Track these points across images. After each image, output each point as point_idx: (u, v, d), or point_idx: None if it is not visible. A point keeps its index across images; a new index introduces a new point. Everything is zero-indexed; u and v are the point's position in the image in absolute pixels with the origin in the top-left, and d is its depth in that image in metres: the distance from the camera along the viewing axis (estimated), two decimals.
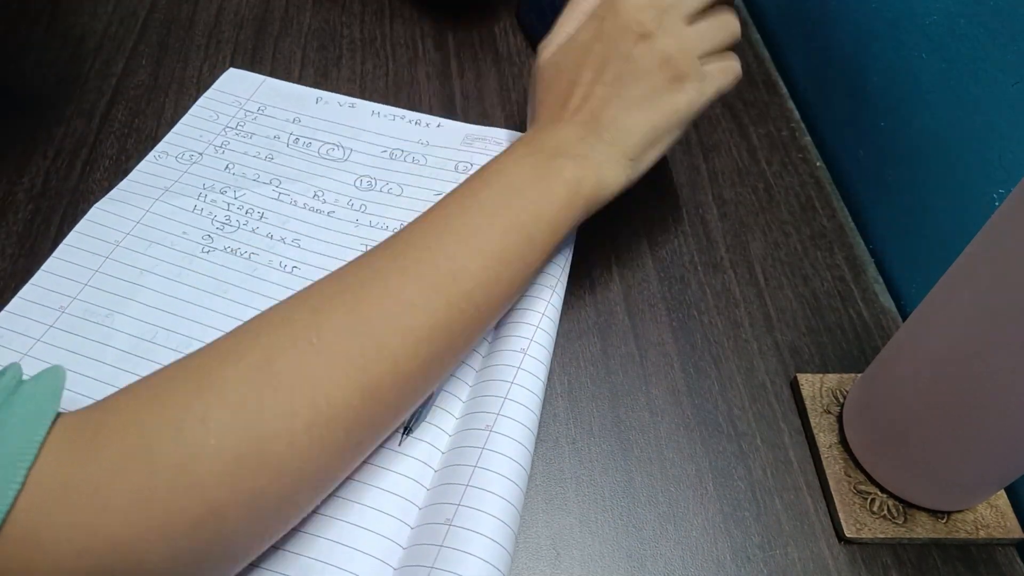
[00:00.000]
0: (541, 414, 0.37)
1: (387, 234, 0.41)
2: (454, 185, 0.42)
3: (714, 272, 0.44)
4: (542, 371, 0.36)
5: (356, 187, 0.45)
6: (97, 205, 0.43)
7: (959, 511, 0.34)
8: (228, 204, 0.44)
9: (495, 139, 0.47)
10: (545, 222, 0.34)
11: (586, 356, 0.40)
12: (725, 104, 0.53)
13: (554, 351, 0.39)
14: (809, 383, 0.38)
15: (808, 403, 0.38)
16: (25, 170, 0.45)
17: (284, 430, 0.27)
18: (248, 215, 0.43)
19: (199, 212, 0.43)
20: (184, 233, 0.42)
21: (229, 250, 0.42)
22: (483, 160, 0.43)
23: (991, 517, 0.34)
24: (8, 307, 0.39)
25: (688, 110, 0.38)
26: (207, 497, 0.26)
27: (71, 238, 0.42)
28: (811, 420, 0.37)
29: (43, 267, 0.40)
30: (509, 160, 0.36)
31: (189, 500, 0.25)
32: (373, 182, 0.45)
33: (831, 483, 0.35)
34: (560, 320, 0.41)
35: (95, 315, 0.39)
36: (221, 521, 0.26)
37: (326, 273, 0.35)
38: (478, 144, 0.47)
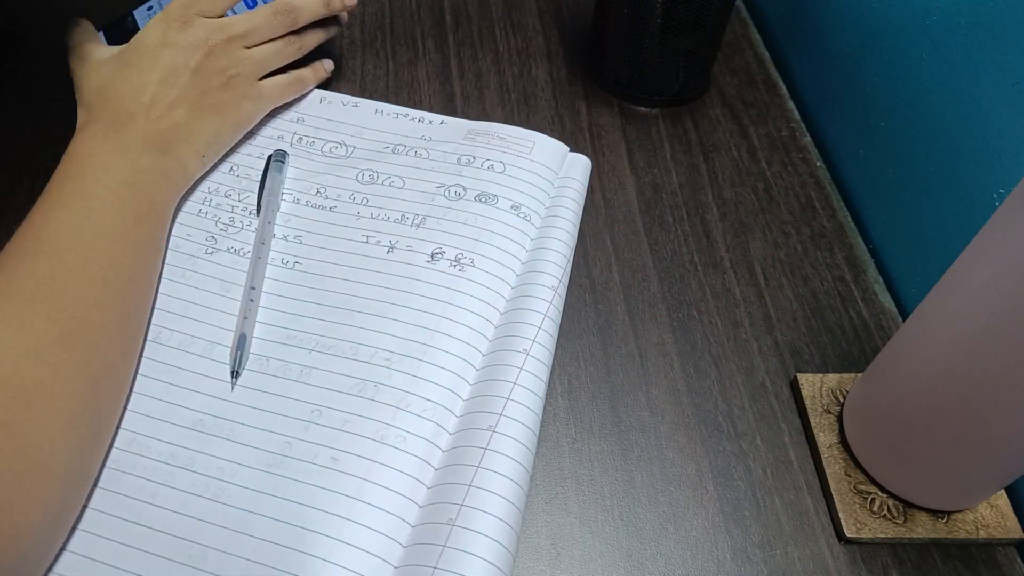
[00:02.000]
0: (542, 414, 0.37)
1: (388, 225, 0.43)
2: (456, 177, 0.45)
3: (714, 272, 0.44)
4: (544, 372, 0.36)
5: (358, 181, 0.45)
6: None
7: (959, 511, 0.34)
8: (232, 207, 0.44)
9: (498, 134, 0.47)
10: (159, 207, 0.40)
11: (586, 356, 0.40)
12: (725, 104, 0.53)
13: (555, 351, 0.39)
14: (809, 383, 0.38)
15: (808, 403, 0.38)
16: (25, 170, 0.45)
17: (45, 439, 0.30)
18: (251, 216, 0.43)
19: (203, 215, 0.43)
20: (188, 235, 0.42)
21: (232, 250, 0.42)
22: (485, 153, 0.46)
23: (991, 517, 0.34)
24: None
25: (248, 120, 0.46)
26: (1, 521, 0.27)
27: None
28: (811, 420, 0.37)
29: None
30: (105, 157, 0.39)
31: None
32: (375, 175, 0.45)
33: (831, 483, 0.35)
34: (561, 320, 0.41)
35: None
36: (17, 540, 0.28)
37: (326, 266, 0.41)
38: (480, 139, 0.47)
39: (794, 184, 0.49)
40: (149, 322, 0.38)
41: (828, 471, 0.35)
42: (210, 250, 0.42)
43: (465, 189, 0.44)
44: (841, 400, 0.38)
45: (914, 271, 0.44)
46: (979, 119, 0.39)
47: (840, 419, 0.37)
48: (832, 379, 0.38)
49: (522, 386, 0.35)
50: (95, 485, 0.33)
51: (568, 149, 0.47)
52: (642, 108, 0.53)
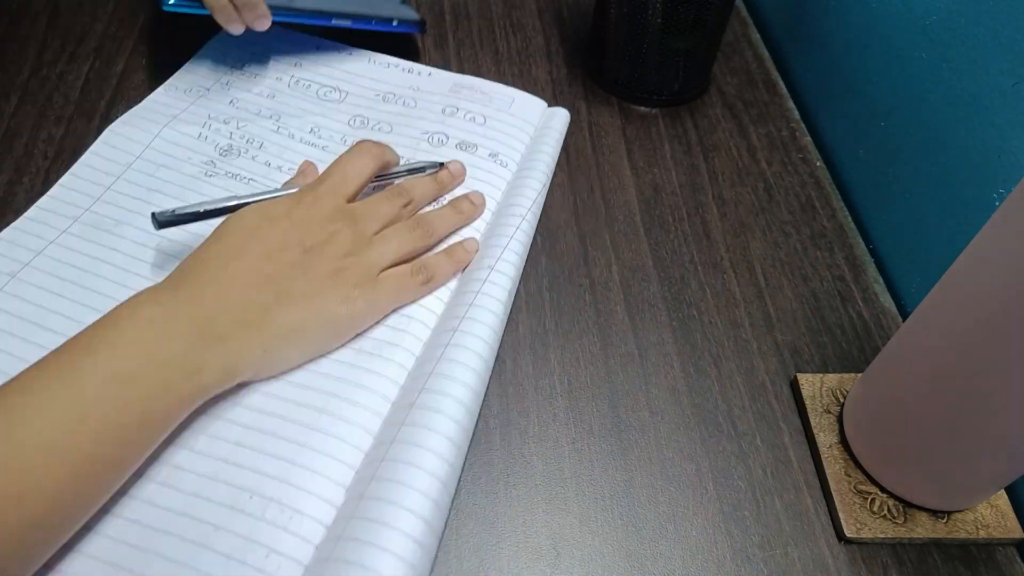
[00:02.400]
0: (541, 413, 0.37)
1: None
2: (440, 125, 0.49)
3: (714, 272, 0.44)
4: (508, 283, 0.40)
5: (349, 126, 0.49)
6: (110, 128, 0.47)
7: (959, 511, 0.34)
8: (231, 133, 0.47)
9: (480, 89, 0.51)
10: (180, 413, 0.32)
11: (586, 356, 0.40)
12: (725, 104, 0.53)
13: (554, 350, 0.40)
14: (809, 383, 0.38)
15: (808, 403, 0.38)
16: (25, 170, 0.45)
17: None
18: (249, 144, 0.47)
19: (203, 139, 0.47)
20: (189, 158, 0.46)
21: (230, 175, 0.45)
22: (468, 105, 0.50)
23: (991, 517, 0.34)
24: (27, 214, 0.42)
25: (350, 320, 0.36)
26: None
27: (86, 158, 0.45)
28: (811, 420, 0.37)
29: (60, 181, 0.44)
30: (164, 333, 0.31)
31: None
32: (366, 121, 0.49)
33: (831, 483, 0.35)
34: (560, 320, 0.41)
35: (105, 224, 0.42)
36: None
37: None
38: (465, 92, 0.51)
39: (794, 184, 0.49)
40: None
41: (828, 471, 0.35)
42: (209, 173, 0.45)
43: (448, 137, 0.48)
44: (841, 400, 0.38)
45: (914, 271, 0.44)
46: (979, 119, 0.39)
47: (840, 419, 0.37)
48: (832, 379, 0.38)
49: (486, 294, 0.38)
50: None
51: (546, 104, 0.51)
52: (642, 108, 0.53)
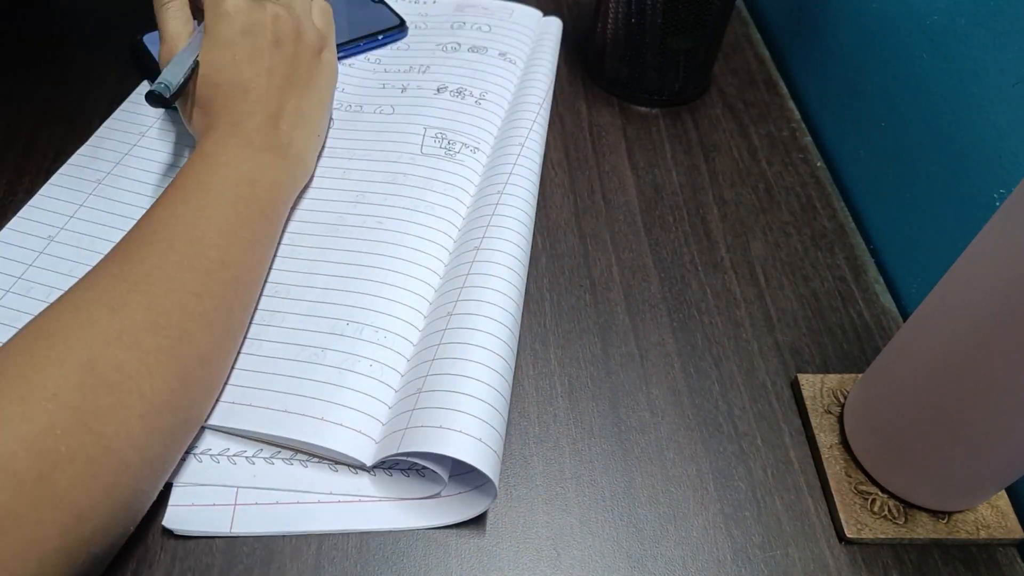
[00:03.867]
0: (541, 413, 0.37)
1: (400, 75, 0.52)
2: (451, 37, 0.55)
3: (714, 272, 0.44)
4: (533, 176, 0.45)
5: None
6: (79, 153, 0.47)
7: (960, 511, 0.34)
8: None
9: (482, 4, 0.57)
10: (279, 205, 0.40)
11: (586, 356, 0.40)
12: (725, 104, 0.53)
13: (555, 351, 0.40)
14: (810, 383, 0.38)
15: (809, 403, 0.38)
16: (25, 170, 0.45)
17: (122, 425, 0.29)
18: None
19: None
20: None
21: None
22: (474, 19, 0.56)
23: (992, 517, 0.34)
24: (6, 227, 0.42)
25: (333, 74, 0.46)
26: (68, 503, 0.27)
27: (64, 168, 0.46)
28: (812, 420, 0.37)
29: (32, 200, 0.44)
30: (231, 155, 0.39)
31: (53, 511, 0.26)
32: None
33: (832, 483, 0.35)
34: (561, 320, 0.41)
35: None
36: (82, 524, 0.27)
37: (351, 106, 0.50)
38: (468, 10, 0.57)
39: (795, 184, 0.49)
40: (255, 312, 0.38)
41: (829, 471, 0.35)
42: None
43: (460, 44, 0.54)
44: (842, 400, 0.38)
45: (915, 271, 0.44)
46: (979, 119, 0.39)
47: (841, 419, 0.37)
48: (833, 379, 0.38)
49: (514, 185, 0.43)
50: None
51: (541, 14, 0.57)
52: (642, 108, 0.53)
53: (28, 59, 0.53)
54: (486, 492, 0.33)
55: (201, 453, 0.34)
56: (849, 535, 0.33)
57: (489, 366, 0.34)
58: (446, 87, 0.50)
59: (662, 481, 0.35)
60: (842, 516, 0.34)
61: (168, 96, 0.39)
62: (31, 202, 0.43)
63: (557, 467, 0.36)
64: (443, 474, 0.33)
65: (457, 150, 0.46)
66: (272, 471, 0.34)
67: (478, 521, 0.34)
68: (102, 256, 0.34)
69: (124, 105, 0.49)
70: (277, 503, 0.33)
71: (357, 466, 0.34)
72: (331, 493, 0.34)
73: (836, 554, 0.34)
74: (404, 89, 0.51)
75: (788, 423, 0.38)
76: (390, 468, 0.35)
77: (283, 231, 0.41)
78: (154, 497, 0.32)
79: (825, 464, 0.36)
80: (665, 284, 0.43)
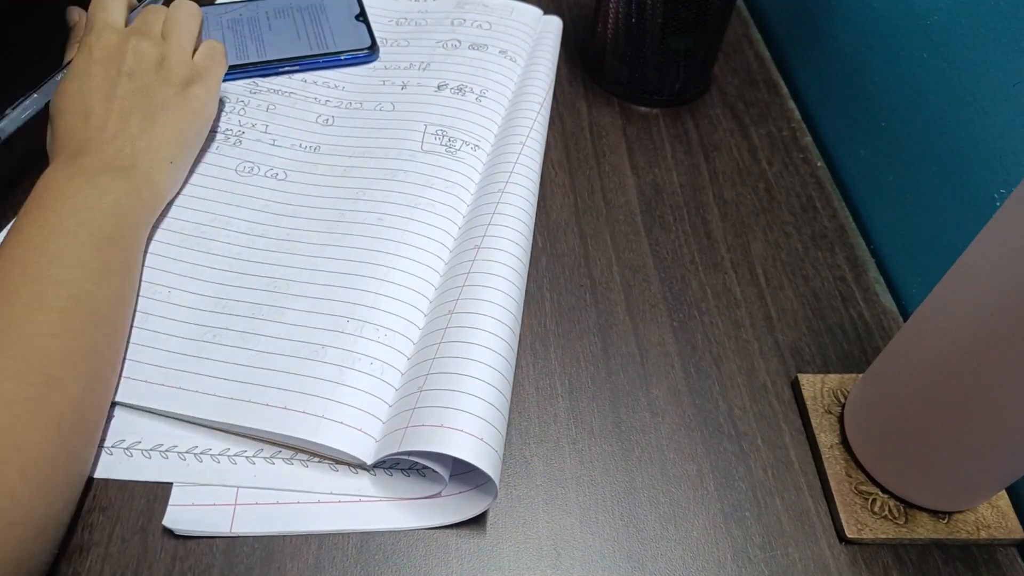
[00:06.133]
0: (542, 413, 0.37)
1: (400, 72, 0.52)
2: (451, 34, 0.54)
3: (715, 272, 0.44)
4: (535, 163, 0.46)
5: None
6: None
7: (960, 511, 0.34)
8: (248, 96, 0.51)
9: (482, 3, 0.57)
10: (125, 228, 0.38)
11: (587, 356, 0.40)
12: (726, 104, 0.53)
13: (555, 351, 0.39)
14: (810, 383, 0.38)
15: (809, 403, 0.38)
16: (25, 170, 0.45)
17: (2, 483, 0.28)
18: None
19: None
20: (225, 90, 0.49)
21: (271, 90, 0.51)
22: (474, 16, 0.56)
23: (992, 517, 0.34)
24: None
25: (202, 105, 0.43)
26: None
27: None
28: (812, 420, 0.37)
29: None
30: (62, 185, 0.37)
31: None
32: (384, 40, 0.55)
33: (832, 483, 0.35)
34: (561, 320, 0.41)
35: None
36: None
37: (357, 106, 0.50)
38: (469, 7, 0.57)
39: (795, 184, 0.49)
40: (127, 344, 0.37)
41: (829, 471, 0.35)
42: (253, 91, 0.51)
43: (460, 42, 0.54)
44: (842, 400, 0.38)
45: (915, 271, 0.44)
46: (979, 119, 0.39)
47: (841, 419, 0.37)
48: (833, 379, 0.38)
49: (514, 183, 0.43)
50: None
51: (542, 12, 0.57)
52: (642, 108, 0.53)
53: (29, 59, 0.52)
54: (487, 491, 0.33)
55: (201, 453, 0.34)
56: (849, 535, 0.33)
57: (490, 365, 0.34)
58: (446, 84, 0.50)
59: (662, 481, 0.35)
60: (842, 516, 0.34)
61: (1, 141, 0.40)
62: None
63: (557, 467, 0.36)
64: (444, 473, 0.33)
65: (458, 147, 0.46)
66: (273, 471, 0.34)
67: (478, 521, 0.34)
68: None
69: None
70: (277, 503, 0.33)
71: (358, 465, 0.34)
72: (331, 493, 0.34)
73: (836, 554, 0.34)
74: (404, 86, 0.51)
75: (788, 423, 0.38)
76: (390, 468, 0.34)
77: (145, 258, 0.40)
78: (47, 555, 0.30)
79: (825, 464, 0.36)
80: (665, 284, 0.43)
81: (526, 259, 0.41)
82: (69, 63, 0.42)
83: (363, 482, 0.34)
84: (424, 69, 0.52)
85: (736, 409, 0.38)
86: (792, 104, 0.54)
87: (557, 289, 0.42)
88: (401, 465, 0.35)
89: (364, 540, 0.33)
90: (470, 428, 0.32)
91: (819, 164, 0.50)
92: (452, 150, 0.46)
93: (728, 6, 0.49)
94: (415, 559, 0.33)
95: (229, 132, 0.47)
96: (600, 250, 0.44)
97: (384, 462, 0.34)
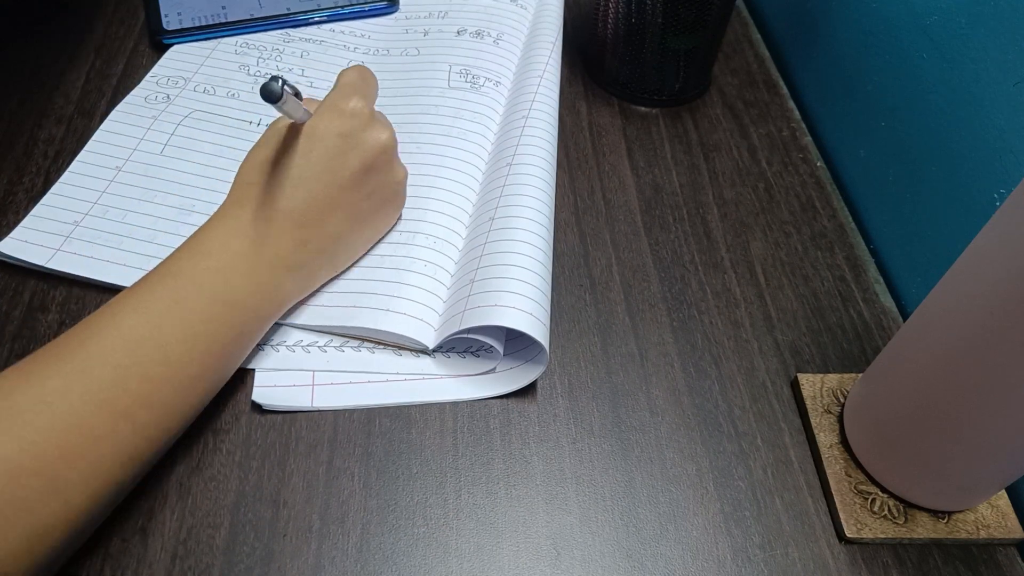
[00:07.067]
0: (542, 413, 0.37)
1: (420, 21, 0.56)
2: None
3: (714, 272, 0.44)
4: (552, 99, 0.49)
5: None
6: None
7: (960, 511, 0.34)
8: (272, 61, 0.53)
9: None
10: (264, 322, 0.36)
11: (587, 356, 0.40)
12: (725, 104, 0.53)
13: (555, 350, 0.40)
14: (810, 383, 0.38)
15: (809, 403, 0.38)
16: (25, 170, 0.45)
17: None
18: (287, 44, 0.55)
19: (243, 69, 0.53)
20: (227, 81, 0.52)
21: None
22: None
23: (992, 517, 0.34)
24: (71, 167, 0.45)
25: (389, 225, 0.42)
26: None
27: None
28: (812, 420, 0.37)
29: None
30: (238, 260, 0.35)
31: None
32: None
33: (832, 483, 0.35)
34: (561, 320, 0.41)
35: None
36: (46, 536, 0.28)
37: (385, 51, 0.54)
38: None
39: (795, 184, 0.49)
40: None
41: (828, 471, 0.35)
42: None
43: None
44: (842, 400, 0.38)
45: (915, 271, 0.44)
46: (979, 119, 0.39)
47: (841, 419, 0.37)
48: (833, 379, 0.38)
49: (536, 110, 0.47)
50: None
51: None
52: (642, 108, 0.53)
53: (28, 60, 0.53)
54: (539, 362, 0.37)
55: (278, 344, 0.39)
56: (849, 535, 0.33)
57: (532, 256, 0.38)
58: (465, 29, 0.55)
59: (662, 481, 0.35)
60: (842, 516, 0.34)
61: (279, 88, 0.33)
62: (95, 136, 0.47)
63: (557, 467, 0.36)
64: (499, 347, 0.37)
65: (481, 83, 0.50)
66: (343, 357, 0.39)
67: (478, 520, 0.34)
68: (164, 183, 0.44)
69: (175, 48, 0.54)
70: (351, 383, 0.38)
71: (419, 349, 0.38)
72: (398, 373, 0.38)
73: (836, 554, 0.34)
74: (426, 33, 0.55)
75: (788, 423, 0.38)
76: (448, 351, 0.39)
77: None
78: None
79: (825, 464, 0.36)
80: (665, 284, 0.43)
81: (553, 172, 0.45)
82: None
83: (425, 363, 0.38)
84: (443, 17, 0.56)
85: (736, 409, 0.38)
86: (792, 104, 0.54)
87: (557, 289, 0.42)
88: (457, 348, 0.39)
89: (364, 540, 0.33)
90: (521, 304, 0.36)
91: (819, 164, 0.50)
92: (476, 86, 0.50)
93: (728, 6, 0.49)
94: (415, 559, 0.33)
95: (268, 76, 0.48)
96: (600, 250, 0.44)
97: (442, 347, 0.38)
